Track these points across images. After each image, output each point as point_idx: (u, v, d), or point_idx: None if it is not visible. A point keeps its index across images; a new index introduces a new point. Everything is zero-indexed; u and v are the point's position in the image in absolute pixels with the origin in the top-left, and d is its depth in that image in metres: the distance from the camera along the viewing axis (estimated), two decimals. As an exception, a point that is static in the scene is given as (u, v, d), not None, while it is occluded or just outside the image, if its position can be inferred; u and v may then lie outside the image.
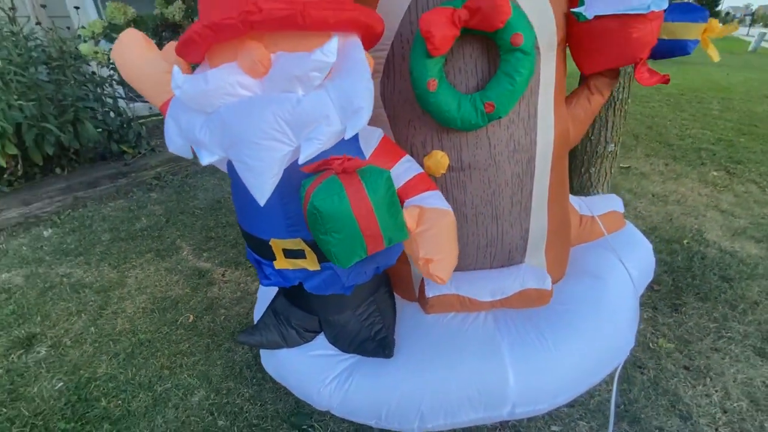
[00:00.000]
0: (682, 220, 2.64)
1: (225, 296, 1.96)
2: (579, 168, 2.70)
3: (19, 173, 2.97)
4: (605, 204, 1.80)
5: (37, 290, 2.10)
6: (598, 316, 1.31)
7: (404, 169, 1.05)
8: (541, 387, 1.17)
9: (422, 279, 1.39)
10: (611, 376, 1.40)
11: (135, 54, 1.06)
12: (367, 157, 1.03)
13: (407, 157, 1.09)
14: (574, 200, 1.78)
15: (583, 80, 1.36)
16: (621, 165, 3.63)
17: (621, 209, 1.82)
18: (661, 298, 1.94)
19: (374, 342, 1.26)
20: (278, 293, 1.39)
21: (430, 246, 0.89)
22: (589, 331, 1.27)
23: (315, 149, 0.82)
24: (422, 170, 1.08)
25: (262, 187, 0.84)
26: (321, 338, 1.34)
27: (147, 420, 1.37)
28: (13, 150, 2.75)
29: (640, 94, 6.75)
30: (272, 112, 0.80)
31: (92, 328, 1.81)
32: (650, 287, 1.98)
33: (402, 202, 1.04)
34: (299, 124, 0.82)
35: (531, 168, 1.25)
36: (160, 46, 1.12)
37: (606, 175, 2.66)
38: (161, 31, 3.18)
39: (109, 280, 2.16)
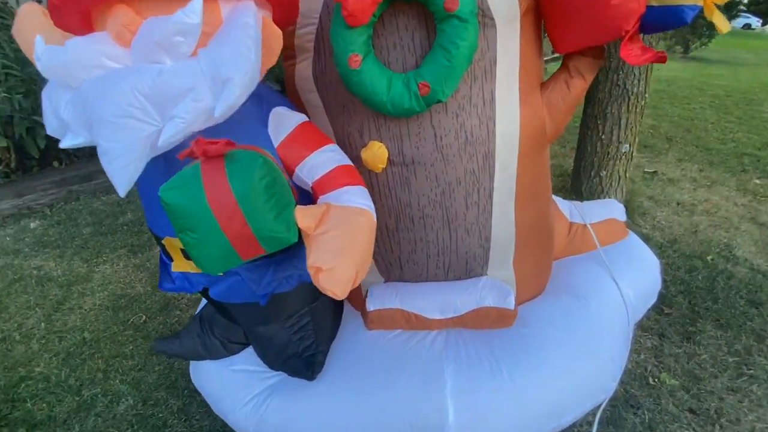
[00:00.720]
0: (708, 233, 2.33)
1: (183, 297, 1.88)
2: (588, 171, 2.45)
3: (13, 165, 3.06)
4: (602, 210, 1.57)
5: (5, 282, 2.11)
6: (572, 343, 1.11)
7: (323, 160, 0.90)
8: (489, 426, 0.99)
9: (369, 288, 1.24)
10: (592, 415, 1.19)
11: (34, 29, 0.97)
12: (276, 146, 0.90)
13: (331, 146, 0.95)
14: (563, 205, 1.57)
15: (563, 63, 1.17)
16: (645, 170, 3.32)
17: (621, 217, 1.59)
18: (672, 324, 1.69)
19: (300, 360, 1.12)
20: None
21: (322, 251, 0.74)
22: (557, 361, 1.07)
23: (177, 130, 0.70)
24: (348, 162, 0.94)
25: (120, 174, 0.72)
26: (249, 352, 1.22)
27: (65, 428, 1.30)
28: (2, 142, 2.82)
29: (680, 95, 6.29)
30: (130, 84, 0.69)
31: (43, 324, 1.78)
32: (659, 310, 1.73)
33: (316, 198, 0.90)
34: (162, 99, 0.69)
35: (489, 164, 1.07)
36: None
37: (619, 179, 2.40)
38: None
39: (77, 275, 2.14)
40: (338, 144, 1.11)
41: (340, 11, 0.86)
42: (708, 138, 4.33)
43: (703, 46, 10.36)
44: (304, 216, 0.75)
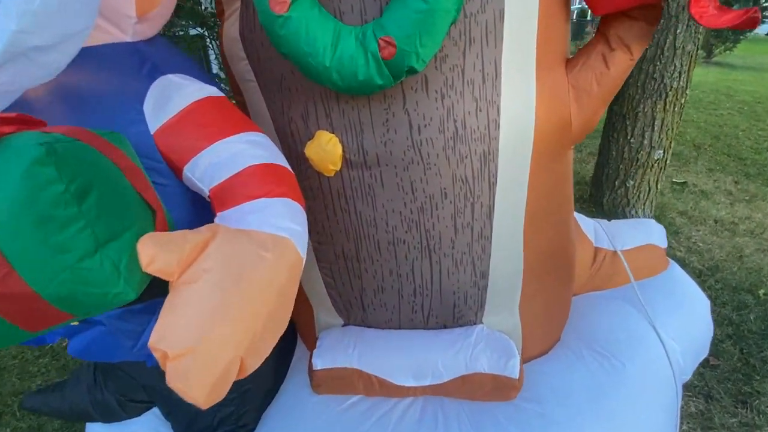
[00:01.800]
0: (756, 259, 1.98)
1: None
2: (612, 180, 2.11)
3: None
4: (636, 233, 1.24)
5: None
6: (600, 428, 0.78)
7: (230, 155, 0.59)
8: None
9: (320, 335, 0.92)
10: None
11: None
12: (153, 130, 0.58)
13: (249, 135, 0.63)
14: (586, 224, 1.24)
15: (599, 29, 0.84)
16: (674, 180, 2.96)
17: (661, 243, 1.25)
18: (721, 380, 1.34)
19: (214, 437, 0.80)
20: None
21: (179, 317, 0.42)
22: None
23: None
24: (274, 160, 0.62)
25: None
26: (155, 413, 0.91)
27: None
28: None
29: (706, 100, 5.89)
30: None
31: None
32: (704, 361, 1.39)
33: (215, 215, 0.58)
34: None
35: (489, 170, 0.75)
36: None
37: (649, 191, 2.06)
38: None
39: None
40: (280, 136, 0.80)
41: None
42: (740, 147, 3.95)
43: (728, 51, 9.90)
44: (160, 249, 0.44)
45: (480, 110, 0.71)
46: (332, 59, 0.60)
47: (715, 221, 2.36)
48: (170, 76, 0.63)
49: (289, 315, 0.55)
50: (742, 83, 7.46)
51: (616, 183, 2.09)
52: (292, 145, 0.79)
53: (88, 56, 0.57)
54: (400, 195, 0.75)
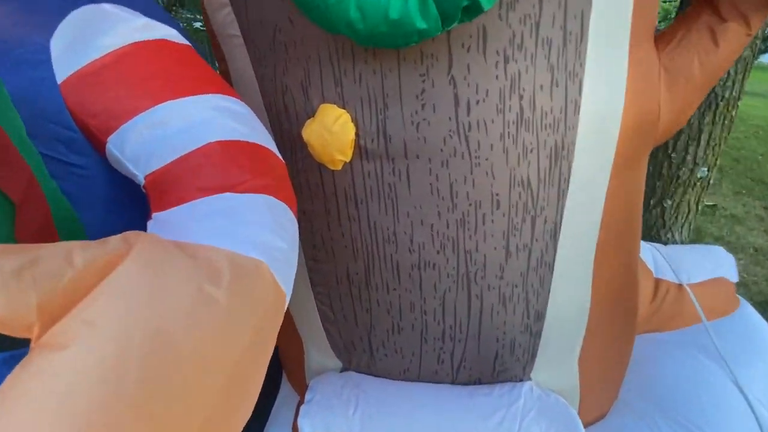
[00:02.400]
0: (809, 295, 1.76)
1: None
2: (647, 197, 1.90)
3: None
4: (705, 262, 1.02)
5: None
6: None
7: (186, 123, 0.37)
8: None
9: (311, 383, 0.70)
10: None
11: None
12: (62, 79, 0.37)
13: (218, 97, 0.42)
14: (642, 248, 1.02)
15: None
16: (705, 202, 2.76)
17: (733, 276, 1.03)
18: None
19: None
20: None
21: (22, 403, 0.21)
22: None
23: None
24: (247, 137, 0.41)
25: None
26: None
27: None
28: None
29: (722, 121, 5.74)
30: None
31: None
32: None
33: (150, 216, 0.37)
34: None
35: (561, 171, 0.53)
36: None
37: (688, 212, 1.85)
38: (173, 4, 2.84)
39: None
40: (269, 113, 0.59)
41: None
42: (761, 171, 3.81)
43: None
44: (10, 278, 0.22)
45: (556, 84, 0.50)
46: (351, -13, 0.39)
47: (755, 249, 2.15)
48: (104, 5, 0.42)
49: (259, 387, 0.33)
50: (754, 108, 7.36)
51: (652, 202, 1.88)
52: (285, 125, 0.57)
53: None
54: (433, 201, 0.54)
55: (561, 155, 0.53)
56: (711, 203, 2.76)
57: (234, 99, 0.44)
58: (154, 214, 0.35)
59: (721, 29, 0.61)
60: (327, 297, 0.65)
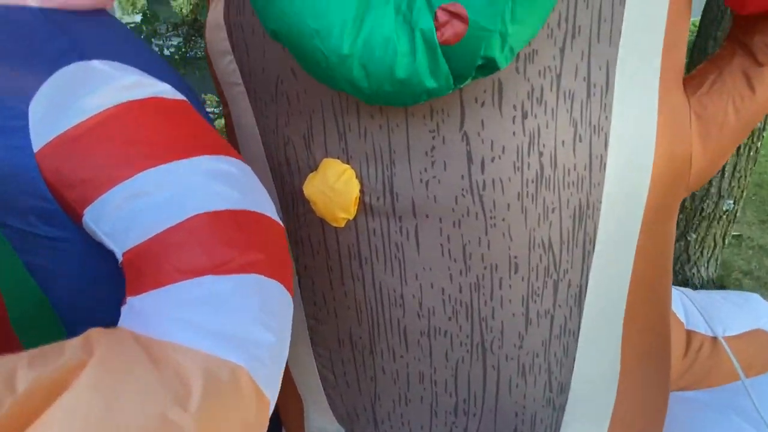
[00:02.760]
0: None
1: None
2: (669, 231, 1.82)
3: None
4: (740, 312, 0.94)
5: None
6: None
7: (171, 193, 0.34)
8: None
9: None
10: None
11: None
12: (39, 147, 0.34)
13: (211, 159, 0.38)
14: (673, 296, 0.95)
15: (734, 37, 0.60)
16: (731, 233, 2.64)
17: (771, 327, 0.95)
18: None
19: None
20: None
21: None
22: None
23: None
24: (240, 205, 0.37)
25: None
26: None
27: None
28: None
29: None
30: None
31: None
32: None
33: (124, 300, 0.33)
34: None
35: (586, 231, 0.48)
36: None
37: (714, 246, 1.76)
38: (178, 27, 2.93)
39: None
40: (271, 164, 0.56)
41: None
42: (788, 198, 3.64)
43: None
44: None
45: (580, 139, 0.45)
46: (354, 43, 0.35)
47: (788, 285, 2.03)
48: (95, 62, 0.40)
49: None
50: (774, 131, 7.19)
51: (675, 235, 1.81)
52: (286, 178, 0.54)
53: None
54: (444, 263, 0.49)
55: (586, 214, 0.48)
56: (736, 233, 2.64)
57: (227, 158, 0.41)
58: (128, 299, 0.31)
59: (757, 73, 0.56)
60: (328, 360, 0.60)
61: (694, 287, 1.81)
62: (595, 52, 0.43)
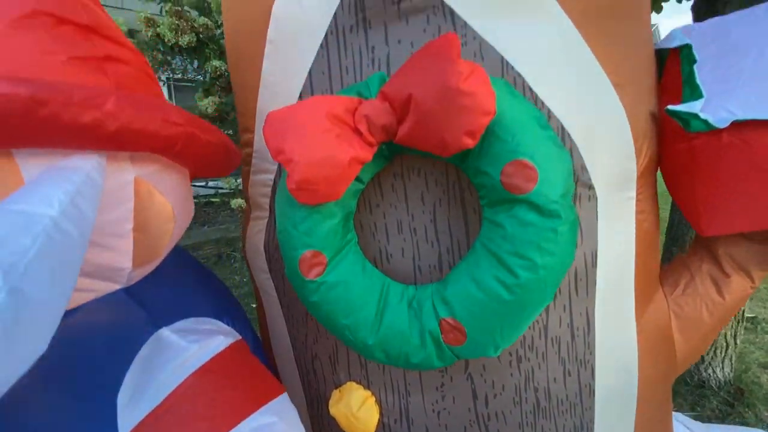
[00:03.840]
0: None
1: None
2: (679, 329, 1.81)
3: None
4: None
5: None
6: None
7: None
8: None
9: None
10: None
11: None
12: (131, 428, 0.42)
13: (256, 418, 0.46)
14: (675, 426, 0.96)
15: (701, 243, 0.69)
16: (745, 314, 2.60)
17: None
18: None
19: None
20: None
21: None
22: None
23: None
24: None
25: None
26: None
27: None
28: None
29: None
30: None
31: None
32: None
33: None
34: None
35: (582, 449, 0.54)
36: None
37: (726, 347, 1.75)
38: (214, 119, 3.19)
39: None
40: (300, 369, 0.64)
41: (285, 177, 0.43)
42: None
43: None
44: None
45: (569, 374, 0.52)
46: (376, 335, 0.44)
47: (811, 381, 1.96)
48: (164, 330, 0.49)
49: None
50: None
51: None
52: (313, 384, 0.61)
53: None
54: (455, 479, 0.55)
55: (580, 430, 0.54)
56: (751, 314, 2.60)
57: (272, 406, 0.48)
58: None
59: (726, 284, 0.64)
60: None
61: (711, 390, 1.77)
62: (575, 304, 0.52)
